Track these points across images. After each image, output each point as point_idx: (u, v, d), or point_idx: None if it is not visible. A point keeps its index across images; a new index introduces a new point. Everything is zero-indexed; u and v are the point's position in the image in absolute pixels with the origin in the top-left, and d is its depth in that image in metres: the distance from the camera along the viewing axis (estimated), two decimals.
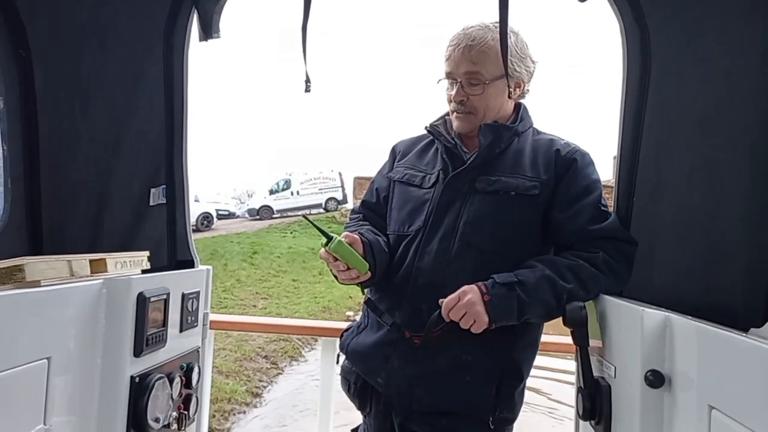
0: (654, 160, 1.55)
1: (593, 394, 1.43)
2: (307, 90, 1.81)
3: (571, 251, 1.57)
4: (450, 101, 1.68)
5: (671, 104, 1.52)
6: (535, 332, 1.68)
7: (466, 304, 1.44)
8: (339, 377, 1.86)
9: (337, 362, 1.83)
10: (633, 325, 1.27)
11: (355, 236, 1.62)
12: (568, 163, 1.62)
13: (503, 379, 1.56)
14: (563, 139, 1.70)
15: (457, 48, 1.62)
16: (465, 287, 1.47)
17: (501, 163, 1.63)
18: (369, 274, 1.59)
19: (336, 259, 1.56)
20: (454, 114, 1.68)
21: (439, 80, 1.70)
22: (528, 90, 1.73)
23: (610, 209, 1.64)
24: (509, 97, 1.65)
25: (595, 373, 1.47)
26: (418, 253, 1.62)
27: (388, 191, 1.80)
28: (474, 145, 1.68)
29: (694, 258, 1.44)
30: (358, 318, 1.82)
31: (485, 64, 1.60)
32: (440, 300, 1.48)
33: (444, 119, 1.76)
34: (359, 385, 1.72)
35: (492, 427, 1.54)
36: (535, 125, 1.75)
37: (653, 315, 1.23)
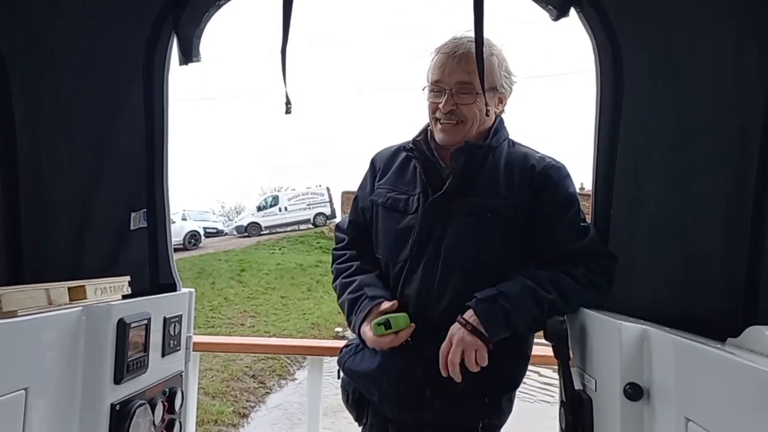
0: (630, 173, 1.57)
1: (575, 407, 1.44)
2: (288, 112, 1.82)
3: (552, 266, 1.59)
4: (434, 111, 1.67)
5: (646, 119, 1.55)
6: (524, 344, 1.68)
7: (457, 343, 1.47)
8: (325, 396, 1.87)
9: (338, 377, 1.84)
10: (612, 339, 1.29)
11: (391, 303, 1.61)
12: (543, 179, 1.63)
13: (491, 387, 1.58)
14: (538, 153, 1.70)
15: (451, 57, 1.62)
16: (449, 334, 1.49)
17: (477, 184, 1.64)
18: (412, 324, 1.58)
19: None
20: (440, 125, 1.66)
21: (424, 88, 1.69)
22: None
23: (589, 221, 1.66)
24: (487, 114, 1.65)
25: (577, 387, 1.48)
26: (406, 280, 1.64)
27: (372, 211, 1.80)
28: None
29: (672, 269, 1.47)
30: (348, 333, 1.83)
31: (477, 74, 1.58)
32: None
33: (425, 133, 1.74)
34: (356, 396, 1.75)
35: None
36: (510, 136, 1.76)
37: (631, 328, 1.25)
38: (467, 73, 1.60)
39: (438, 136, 1.68)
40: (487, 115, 1.66)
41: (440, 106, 1.64)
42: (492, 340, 1.47)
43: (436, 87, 1.66)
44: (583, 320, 1.51)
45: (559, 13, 1.69)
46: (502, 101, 1.72)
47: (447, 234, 1.61)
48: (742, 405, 0.90)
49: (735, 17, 1.39)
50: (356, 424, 1.81)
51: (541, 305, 1.50)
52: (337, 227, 1.96)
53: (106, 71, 1.84)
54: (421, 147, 1.72)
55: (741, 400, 0.90)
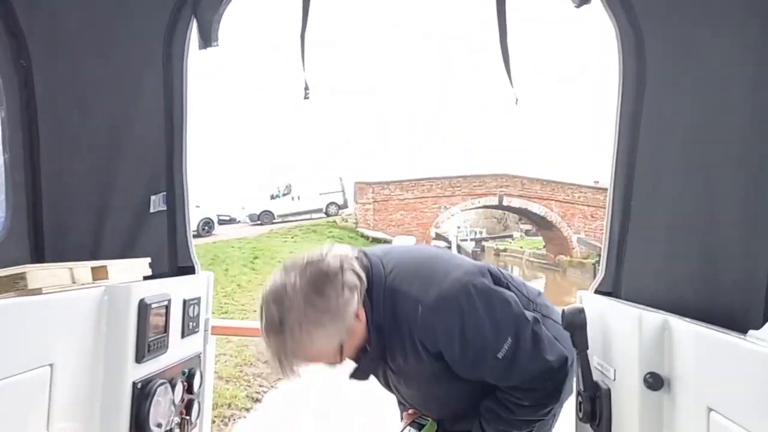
0: (651, 163, 1.55)
1: (593, 396, 1.43)
2: (306, 97, 1.82)
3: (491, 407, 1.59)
4: None
5: (668, 108, 1.53)
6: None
7: None
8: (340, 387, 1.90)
9: None
10: (632, 328, 1.28)
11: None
12: (430, 336, 1.47)
13: None
14: (414, 292, 1.48)
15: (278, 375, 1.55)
16: None
17: (390, 354, 1.56)
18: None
19: None
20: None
21: None
22: (361, 302, 1.47)
23: (511, 342, 1.47)
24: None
25: (595, 377, 1.47)
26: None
27: None
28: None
29: (692, 261, 1.45)
30: None
31: (308, 355, 1.45)
32: None
33: None
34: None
35: None
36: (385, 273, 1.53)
37: (652, 317, 1.24)
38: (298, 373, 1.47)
39: None
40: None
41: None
42: None
43: None
44: (602, 309, 1.50)
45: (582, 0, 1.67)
46: (358, 317, 1.47)
47: (393, 383, 1.69)
48: (765, 394, 0.89)
49: (759, 7, 1.36)
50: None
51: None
52: None
53: (125, 54, 1.85)
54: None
55: (764, 390, 0.89)
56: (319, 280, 1.40)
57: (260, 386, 7.59)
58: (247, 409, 6.77)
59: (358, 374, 1.59)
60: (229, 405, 6.60)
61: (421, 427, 1.71)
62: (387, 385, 1.73)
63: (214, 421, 6.00)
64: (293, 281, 1.39)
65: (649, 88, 1.56)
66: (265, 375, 7.95)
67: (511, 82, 1.68)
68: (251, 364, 8.16)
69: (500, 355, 1.46)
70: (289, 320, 1.37)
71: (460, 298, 1.45)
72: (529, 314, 1.54)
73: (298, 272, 1.41)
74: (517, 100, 1.71)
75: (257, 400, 7.15)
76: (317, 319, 1.38)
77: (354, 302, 1.44)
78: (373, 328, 1.49)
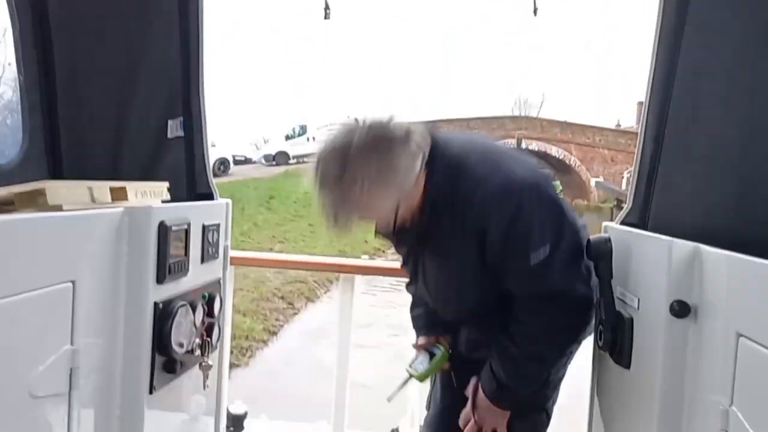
0: (690, 84, 1.47)
1: (615, 325, 1.42)
2: (327, 17, 1.75)
3: (512, 326, 1.51)
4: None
5: (710, 28, 1.43)
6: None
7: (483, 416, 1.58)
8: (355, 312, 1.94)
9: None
10: (660, 257, 1.25)
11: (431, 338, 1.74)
12: (484, 218, 1.43)
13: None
14: (486, 177, 1.44)
15: (328, 223, 1.40)
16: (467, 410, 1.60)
17: (434, 237, 1.52)
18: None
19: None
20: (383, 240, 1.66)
21: None
22: (423, 169, 1.44)
23: (548, 255, 1.42)
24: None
25: (617, 308, 1.46)
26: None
27: None
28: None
29: (726, 192, 1.39)
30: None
31: (363, 209, 1.40)
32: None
33: None
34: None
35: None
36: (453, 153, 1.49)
37: (682, 246, 1.21)
38: (351, 230, 1.42)
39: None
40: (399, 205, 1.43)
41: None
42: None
43: None
44: (628, 239, 1.47)
45: None
46: (417, 184, 1.43)
47: (425, 277, 1.66)
48: None
49: None
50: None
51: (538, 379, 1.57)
52: (407, 285, 1.88)
53: None
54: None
55: None
56: (384, 139, 1.37)
57: (276, 320, 7.79)
58: (264, 341, 6.98)
59: (399, 248, 1.68)
60: (247, 337, 6.81)
61: (433, 355, 1.72)
62: (415, 272, 1.68)
63: (232, 351, 6.21)
64: (356, 139, 1.35)
65: (691, 12, 1.46)
66: (281, 309, 8.16)
67: None
68: (268, 299, 8.37)
69: (534, 263, 1.42)
70: (352, 174, 1.33)
71: (523, 193, 1.42)
72: (574, 234, 1.49)
73: (362, 131, 1.37)
74: (535, 10, 1.61)
75: (273, 333, 7.36)
76: (380, 176, 1.36)
77: (416, 166, 1.42)
78: (429, 200, 1.47)
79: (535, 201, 1.44)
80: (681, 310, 1.17)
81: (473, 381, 1.60)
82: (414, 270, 1.68)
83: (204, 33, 1.87)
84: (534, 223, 1.42)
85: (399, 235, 1.56)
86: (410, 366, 1.72)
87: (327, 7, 1.77)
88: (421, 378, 1.73)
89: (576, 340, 1.57)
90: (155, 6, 1.82)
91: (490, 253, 1.46)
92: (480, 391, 1.57)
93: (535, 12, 1.66)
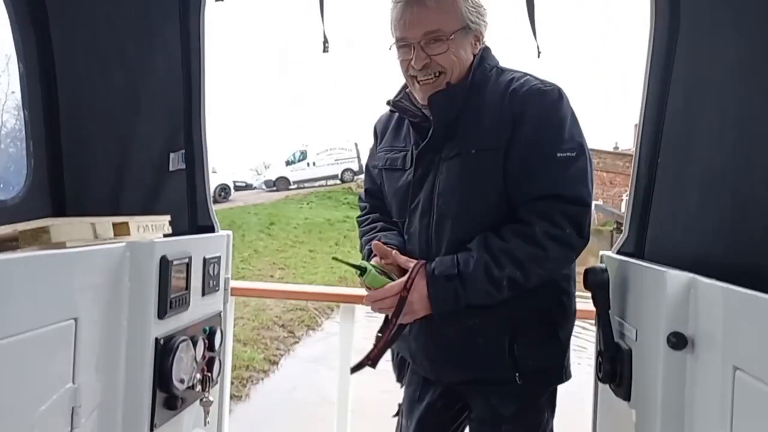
0: (681, 114, 1.49)
1: (614, 356, 1.42)
2: (325, 50, 1.79)
3: (510, 224, 1.45)
4: (407, 69, 1.53)
5: (701, 57, 1.46)
6: (558, 275, 1.56)
7: (412, 297, 1.43)
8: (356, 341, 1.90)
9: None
10: (656, 287, 1.26)
11: (388, 249, 1.54)
12: (522, 104, 1.46)
13: (518, 331, 1.50)
14: (526, 76, 1.52)
15: (407, 6, 1.46)
16: (397, 284, 1.44)
17: (463, 125, 1.52)
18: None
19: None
20: (418, 83, 1.53)
21: (391, 46, 1.55)
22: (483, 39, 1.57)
23: (574, 155, 1.44)
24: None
25: (616, 338, 1.46)
26: (409, 236, 1.60)
27: (381, 177, 1.76)
28: None
29: (721, 221, 1.41)
30: None
31: (443, 18, 1.45)
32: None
33: (405, 92, 1.63)
34: (399, 356, 1.77)
35: (521, 383, 1.49)
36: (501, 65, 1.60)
37: (677, 276, 1.22)
38: (432, 21, 1.45)
39: (419, 95, 1.54)
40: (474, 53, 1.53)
41: (412, 63, 1.49)
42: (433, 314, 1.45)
43: (403, 44, 1.51)
44: (624, 269, 1.48)
45: None
46: (478, 38, 1.55)
47: (438, 181, 1.54)
48: None
49: None
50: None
51: (497, 285, 1.41)
52: (359, 198, 1.94)
53: (142, 7, 1.82)
54: (402, 104, 1.62)
55: None
56: None
57: (277, 349, 7.73)
58: (265, 371, 6.91)
59: (419, 158, 1.57)
60: (247, 367, 6.75)
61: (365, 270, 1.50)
62: (421, 181, 1.57)
63: (232, 382, 6.15)
64: None
65: (682, 34, 1.49)
66: (281, 338, 8.10)
67: (534, 34, 1.62)
68: (268, 327, 8.31)
69: (560, 155, 1.43)
70: None
71: (562, 96, 1.49)
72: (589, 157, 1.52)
73: None
74: (539, 52, 1.64)
75: (274, 363, 7.30)
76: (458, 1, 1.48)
77: (482, 27, 1.54)
78: (472, 79, 1.53)
79: (570, 107, 1.49)
80: (678, 342, 1.18)
81: (419, 262, 1.47)
82: (412, 193, 1.59)
83: (206, 67, 1.91)
84: (566, 123, 1.46)
85: (419, 141, 1.57)
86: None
87: (326, 41, 1.80)
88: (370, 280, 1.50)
89: (546, 271, 1.45)
90: (158, 41, 1.86)
91: (518, 145, 1.45)
92: (422, 271, 1.44)
93: (538, 55, 1.69)
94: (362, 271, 1.50)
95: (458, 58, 1.50)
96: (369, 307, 1.55)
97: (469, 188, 1.49)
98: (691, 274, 1.22)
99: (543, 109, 1.45)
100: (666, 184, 1.53)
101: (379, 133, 1.78)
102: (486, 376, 1.55)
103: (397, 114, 1.70)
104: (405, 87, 1.63)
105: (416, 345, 1.61)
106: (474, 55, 1.55)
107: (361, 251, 1.77)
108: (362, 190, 1.92)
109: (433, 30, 1.46)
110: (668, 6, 1.51)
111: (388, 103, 1.66)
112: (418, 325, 1.55)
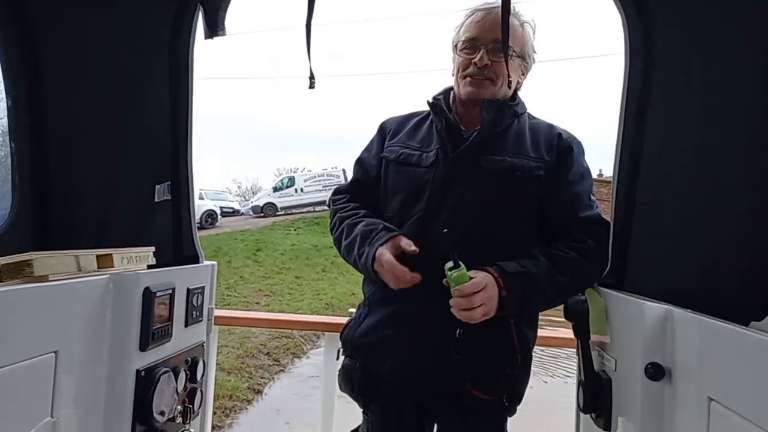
0: (657, 154, 1.54)
1: (594, 387, 1.44)
2: (311, 87, 1.82)
3: (562, 240, 1.60)
4: (466, 67, 1.68)
5: (676, 98, 1.51)
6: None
7: (484, 297, 1.46)
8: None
9: (337, 358, 1.85)
10: (634, 319, 1.28)
11: (415, 248, 1.57)
12: (567, 149, 1.68)
13: (508, 354, 1.62)
14: (560, 127, 1.77)
15: (488, 14, 1.66)
16: (482, 279, 1.48)
17: (504, 143, 1.65)
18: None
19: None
20: (471, 79, 1.67)
21: (456, 44, 1.71)
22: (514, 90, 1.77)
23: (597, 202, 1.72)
24: (509, 86, 1.67)
25: (596, 367, 1.48)
26: (423, 235, 1.61)
27: (380, 170, 1.79)
28: (472, 124, 1.68)
29: (697, 253, 1.44)
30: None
31: (513, 37, 1.62)
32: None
33: (447, 92, 1.77)
34: (363, 381, 1.73)
35: (506, 404, 1.61)
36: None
37: (654, 308, 1.25)
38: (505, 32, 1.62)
39: (465, 89, 1.68)
40: (509, 87, 1.68)
41: (475, 60, 1.65)
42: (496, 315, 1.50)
43: (471, 44, 1.68)
44: (605, 299, 1.50)
45: None
46: (524, 73, 1.75)
47: (470, 189, 1.61)
48: (765, 384, 0.89)
49: None
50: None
51: (558, 290, 1.52)
52: (335, 191, 1.96)
53: (132, 44, 1.85)
54: (440, 104, 1.73)
55: (765, 380, 0.90)
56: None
57: (261, 378, 7.62)
58: (249, 401, 6.80)
59: (454, 162, 1.65)
60: (231, 396, 6.63)
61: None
62: (448, 184, 1.62)
63: (215, 412, 6.04)
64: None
65: (657, 76, 1.54)
66: (266, 366, 7.99)
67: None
68: (253, 356, 8.19)
69: (592, 197, 1.71)
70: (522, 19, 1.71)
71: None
72: None
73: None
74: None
75: (258, 392, 7.18)
76: (526, 38, 1.72)
77: (530, 67, 1.77)
78: (516, 107, 1.72)
79: None
80: (656, 372, 1.20)
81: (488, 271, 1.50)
82: (435, 194, 1.63)
83: (194, 98, 1.93)
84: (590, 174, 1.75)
85: (446, 155, 1.66)
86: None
87: (312, 77, 1.83)
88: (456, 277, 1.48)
89: (589, 283, 1.54)
90: (147, 73, 1.88)
91: (556, 175, 1.65)
92: (493, 274, 1.49)
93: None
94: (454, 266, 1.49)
95: (509, 76, 1.62)
96: None
97: (507, 206, 1.61)
98: (666, 305, 1.25)
99: (580, 158, 1.71)
100: (644, 217, 1.56)
101: (392, 130, 1.84)
102: (476, 390, 1.59)
103: (414, 120, 1.81)
104: (445, 91, 1.78)
105: (404, 352, 1.62)
106: (515, 89, 1.74)
107: (332, 232, 1.85)
108: (341, 185, 1.98)
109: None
110: (642, 51, 1.56)
111: (429, 101, 1.77)
112: (413, 331, 1.61)
